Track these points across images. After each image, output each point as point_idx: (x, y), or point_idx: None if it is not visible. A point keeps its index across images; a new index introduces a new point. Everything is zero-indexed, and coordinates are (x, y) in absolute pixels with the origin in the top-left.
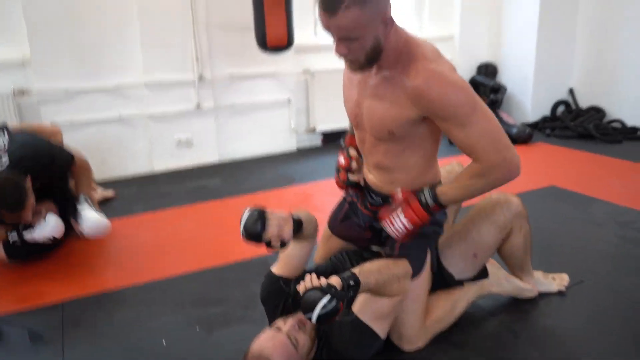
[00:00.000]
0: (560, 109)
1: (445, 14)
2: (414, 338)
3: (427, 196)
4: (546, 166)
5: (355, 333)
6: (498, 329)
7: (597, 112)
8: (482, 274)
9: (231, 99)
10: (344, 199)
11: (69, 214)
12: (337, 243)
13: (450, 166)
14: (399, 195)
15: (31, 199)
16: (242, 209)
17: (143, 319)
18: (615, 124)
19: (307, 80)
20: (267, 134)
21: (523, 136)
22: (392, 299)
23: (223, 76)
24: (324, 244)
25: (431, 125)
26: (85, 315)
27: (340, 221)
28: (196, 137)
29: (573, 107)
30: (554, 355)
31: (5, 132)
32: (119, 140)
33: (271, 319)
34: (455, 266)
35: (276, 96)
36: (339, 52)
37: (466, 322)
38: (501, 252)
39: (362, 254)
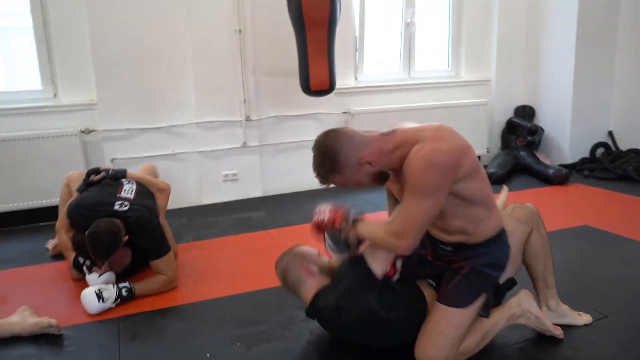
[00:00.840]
0: (600, 150)
1: (481, 59)
2: None
3: (350, 216)
4: (581, 206)
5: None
6: (519, 357)
7: (637, 155)
8: (511, 283)
9: (275, 138)
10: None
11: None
12: None
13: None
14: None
15: (117, 253)
16: (284, 239)
17: (190, 334)
18: None
19: (347, 120)
20: (309, 171)
21: (560, 177)
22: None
23: (268, 117)
24: None
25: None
26: (139, 329)
27: (409, 271)
28: (242, 172)
29: (613, 149)
30: None
31: (134, 182)
32: (171, 175)
33: None
34: None
35: None
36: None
37: (487, 347)
38: (525, 256)
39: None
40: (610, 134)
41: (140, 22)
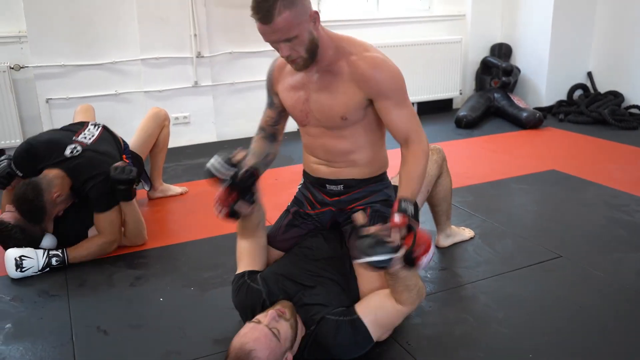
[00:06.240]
0: (578, 93)
1: None
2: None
3: (409, 208)
4: (551, 151)
5: (353, 332)
6: (472, 293)
7: (615, 97)
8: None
9: (230, 77)
10: (286, 212)
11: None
12: (277, 253)
13: None
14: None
15: (51, 212)
16: None
17: (142, 280)
18: (633, 110)
19: None
20: None
21: (533, 120)
22: (398, 310)
23: (222, 54)
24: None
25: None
26: (87, 276)
27: (282, 234)
28: (194, 115)
29: (591, 91)
30: (519, 319)
31: (100, 128)
32: (114, 117)
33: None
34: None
35: None
36: (283, 54)
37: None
38: (434, 197)
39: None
40: (590, 75)
41: None
